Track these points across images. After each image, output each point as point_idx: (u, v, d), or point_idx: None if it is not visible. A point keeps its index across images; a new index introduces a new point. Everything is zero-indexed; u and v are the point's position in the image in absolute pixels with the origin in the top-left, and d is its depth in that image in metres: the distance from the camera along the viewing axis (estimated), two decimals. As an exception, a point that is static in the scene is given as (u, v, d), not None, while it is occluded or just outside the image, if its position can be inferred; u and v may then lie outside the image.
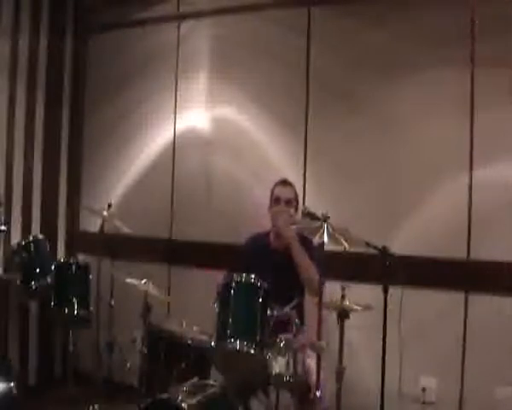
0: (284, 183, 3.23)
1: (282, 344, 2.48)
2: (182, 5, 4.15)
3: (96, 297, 3.52)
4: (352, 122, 3.53)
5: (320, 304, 2.44)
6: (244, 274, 2.52)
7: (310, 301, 3.04)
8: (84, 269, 3.55)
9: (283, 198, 3.14)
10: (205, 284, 3.19)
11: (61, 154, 4.48)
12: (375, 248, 2.55)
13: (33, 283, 3.41)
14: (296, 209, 3.15)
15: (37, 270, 3.44)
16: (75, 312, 3.38)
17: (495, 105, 3.15)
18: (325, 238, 2.43)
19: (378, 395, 2.51)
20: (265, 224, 3.25)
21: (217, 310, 2.48)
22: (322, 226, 2.46)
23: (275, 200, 3.15)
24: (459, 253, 3.19)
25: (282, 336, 2.49)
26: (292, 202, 3.17)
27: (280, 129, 3.75)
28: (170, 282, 4.09)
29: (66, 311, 3.38)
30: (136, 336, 3.78)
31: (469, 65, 3.20)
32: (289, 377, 2.42)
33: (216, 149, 3.99)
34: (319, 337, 2.42)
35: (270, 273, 2.68)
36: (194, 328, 2.95)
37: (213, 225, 3.92)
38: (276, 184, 3.22)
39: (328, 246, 2.46)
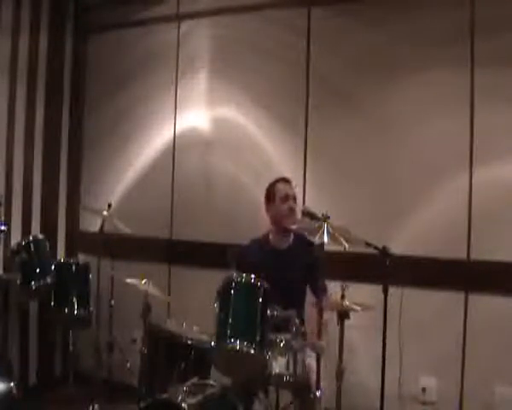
0: (286, 180, 3.24)
1: (281, 344, 2.48)
2: (182, 5, 4.15)
3: (95, 297, 3.52)
4: (352, 122, 3.53)
5: (320, 308, 2.45)
6: (244, 274, 2.51)
7: (309, 303, 3.05)
8: (84, 269, 3.55)
9: (291, 195, 3.16)
10: (205, 284, 3.19)
11: (61, 154, 4.48)
12: (375, 248, 2.55)
13: (33, 283, 3.40)
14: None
15: (37, 270, 3.44)
16: (75, 312, 3.39)
17: (495, 105, 3.15)
18: (325, 238, 2.43)
19: (378, 395, 2.52)
20: (264, 223, 3.27)
21: (217, 310, 2.48)
22: (322, 226, 2.47)
23: (283, 198, 3.14)
24: (459, 253, 3.19)
25: (282, 336, 2.50)
26: (296, 198, 3.19)
27: (280, 129, 3.76)
28: (170, 282, 4.09)
29: (66, 311, 3.38)
30: (136, 336, 3.79)
31: (469, 65, 3.20)
32: (289, 377, 2.42)
33: (216, 149, 3.99)
34: (319, 337, 2.43)
35: (272, 273, 2.69)
36: (194, 328, 2.95)
37: (213, 225, 3.92)
38: (277, 182, 3.23)
39: (328, 246, 2.46)
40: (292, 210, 3.12)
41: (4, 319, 3.80)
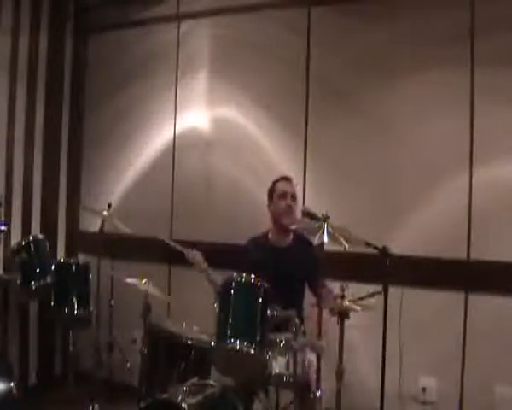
0: (286, 179, 3.25)
1: (281, 344, 2.49)
2: (182, 5, 4.15)
3: (95, 297, 3.52)
4: (352, 122, 3.53)
5: (319, 308, 2.46)
6: (244, 274, 2.52)
7: (309, 303, 3.06)
8: (84, 269, 3.54)
9: (290, 192, 3.17)
10: (205, 283, 3.20)
11: (61, 154, 4.48)
12: (375, 248, 2.55)
13: (33, 283, 3.40)
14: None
15: (37, 270, 3.43)
16: (75, 312, 3.38)
17: (495, 105, 3.15)
18: (325, 238, 2.43)
19: (378, 395, 2.51)
20: (265, 223, 3.27)
21: (217, 310, 2.48)
22: (322, 226, 2.47)
23: (280, 195, 3.16)
24: (459, 253, 3.19)
25: (282, 336, 2.50)
26: (295, 196, 3.19)
27: (280, 129, 3.76)
28: (170, 282, 4.09)
29: (66, 311, 3.38)
30: (136, 336, 3.79)
31: (469, 65, 3.20)
32: (289, 377, 2.42)
33: (216, 149, 3.99)
34: (319, 337, 2.43)
35: (272, 271, 2.69)
36: (194, 328, 2.95)
37: (213, 225, 3.92)
38: (278, 181, 3.24)
39: (328, 246, 2.46)
40: (290, 207, 3.12)
41: (4, 319, 3.80)
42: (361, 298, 2.48)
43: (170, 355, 2.82)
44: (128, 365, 3.63)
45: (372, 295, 2.48)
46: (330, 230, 2.46)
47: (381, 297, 2.45)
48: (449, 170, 3.25)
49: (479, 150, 3.18)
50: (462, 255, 3.19)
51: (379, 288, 2.48)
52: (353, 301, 2.45)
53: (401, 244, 3.19)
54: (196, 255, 3.17)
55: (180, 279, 4.02)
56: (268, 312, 2.47)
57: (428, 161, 3.30)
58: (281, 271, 2.98)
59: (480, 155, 3.18)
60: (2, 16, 3.90)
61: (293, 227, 3.01)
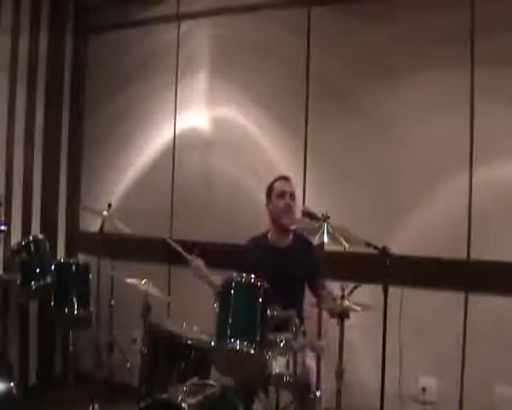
0: (285, 178, 3.26)
1: (281, 344, 2.49)
2: (182, 5, 4.15)
3: (95, 297, 3.52)
4: (352, 122, 3.53)
5: (319, 308, 2.46)
6: (244, 274, 2.52)
7: (309, 303, 3.06)
8: (84, 269, 3.54)
9: (288, 191, 3.17)
10: (205, 284, 3.20)
11: (61, 154, 4.48)
12: (375, 248, 2.55)
13: (33, 283, 3.40)
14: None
15: (37, 270, 3.43)
16: (75, 312, 3.38)
17: (495, 105, 3.15)
18: (325, 238, 2.43)
19: (378, 395, 2.51)
20: (265, 223, 3.27)
21: (217, 310, 2.48)
22: (322, 226, 2.47)
23: (279, 194, 3.16)
24: (459, 253, 3.19)
25: (282, 336, 2.50)
26: (294, 195, 3.19)
27: (280, 129, 3.76)
28: (170, 282, 4.10)
29: (66, 311, 3.38)
30: (136, 336, 3.79)
31: (469, 65, 3.20)
32: (289, 377, 2.42)
33: (216, 149, 3.99)
34: (319, 337, 2.43)
35: (272, 271, 2.70)
36: (194, 328, 2.95)
37: (213, 225, 3.92)
38: (276, 180, 3.24)
39: (328, 246, 2.46)
40: (288, 206, 3.12)
41: (4, 319, 3.80)
42: (350, 292, 2.48)
43: (170, 355, 2.82)
44: (128, 365, 3.63)
45: (355, 288, 2.48)
46: (330, 230, 2.46)
47: (381, 297, 2.46)
48: (449, 170, 3.25)
49: (479, 150, 3.18)
50: (462, 255, 3.19)
51: (379, 288, 2.48)
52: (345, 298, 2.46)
53: (401, 244, 3.19)
54: (197, 262, 3.15)
55: (180, 279, 4.02)
56: (268, 312, 2.47)
57: (428, 161, 3.30)
58: (281, 271, 2.98)
59: (480, 155, 3.18)
60: (2, 16, 3.90)
61: (292, 227, 3.01)
